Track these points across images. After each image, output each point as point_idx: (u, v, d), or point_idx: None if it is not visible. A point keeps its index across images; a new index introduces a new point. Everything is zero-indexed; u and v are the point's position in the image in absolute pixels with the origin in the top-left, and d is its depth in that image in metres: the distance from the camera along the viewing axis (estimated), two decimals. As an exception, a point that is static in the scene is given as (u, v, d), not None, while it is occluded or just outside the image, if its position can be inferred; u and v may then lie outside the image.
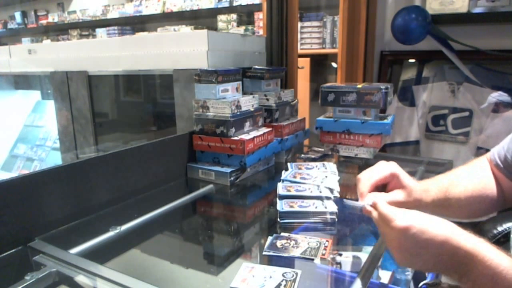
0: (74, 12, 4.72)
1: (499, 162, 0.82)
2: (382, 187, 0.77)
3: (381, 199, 0.67)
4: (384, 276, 0.82)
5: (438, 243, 0.56)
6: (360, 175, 0.76)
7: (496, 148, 0.85)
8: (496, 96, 1.85)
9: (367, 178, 0.75)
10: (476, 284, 0.55)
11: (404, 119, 2.09)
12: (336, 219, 0.94)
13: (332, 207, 0.96)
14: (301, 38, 2.87)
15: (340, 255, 0.80)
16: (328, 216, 0.94)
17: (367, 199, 0.70)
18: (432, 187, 0.78)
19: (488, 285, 0.54)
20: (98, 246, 0.83)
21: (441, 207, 0.78)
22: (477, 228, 1.30)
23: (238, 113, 1.24)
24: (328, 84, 1.45)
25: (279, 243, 0.82)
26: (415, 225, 0.57)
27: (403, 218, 0.58)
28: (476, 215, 0.84)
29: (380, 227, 0.64)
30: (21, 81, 2.31)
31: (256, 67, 1.47)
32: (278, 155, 1.45)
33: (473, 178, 0.82)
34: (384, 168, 0.76)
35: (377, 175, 0.75)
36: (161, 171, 1.18)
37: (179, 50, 1.44)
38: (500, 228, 1.23)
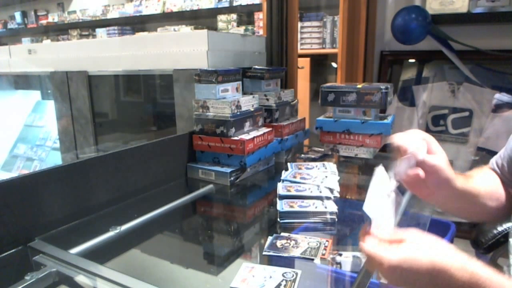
0: (74, 12, 4.72)
1: (497, 169, 0.84)
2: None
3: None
4: (384, 276, 0.82)
5: (431, 276, 0.54)
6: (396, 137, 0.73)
7: (495, 158, 0.87)
8: (501, 96, 1.85)
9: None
10: None
11: (404, 119, 2.09)
12: (336, 219, 0.94)
13: (332, 207, 0.96)
14: (301, 38, 2.86)
15: (340, 255, 0.80)
16: (328, 216, 0.94)
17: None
18: (458, 176, 0.77)
19: None
20: (98, 246, 0.83)
21: (465, 197, 0.76)
22: (477, 228, 1.31)
23: (238, 113, 1.24)
24: (328, 84, 1.45)
25: (279, 243, 0.82)
26: (401, 265, 0.55)
27: (389, 258, 0.56)
28: (490, 216, 0.83)
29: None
30: (21, 81, 2.31)
31: (256, 67, 1.47)
32: (278, 155, 1.45)
33: (486, 178, 0.83)
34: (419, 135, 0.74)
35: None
36: (161, 171, 1.18)
37: (179, 50, 1.44)
38: (500, 228, 1.23)
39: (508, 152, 0.81)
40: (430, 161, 0.70)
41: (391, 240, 0.59)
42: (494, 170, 0.85)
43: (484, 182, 0.81)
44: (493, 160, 0.86)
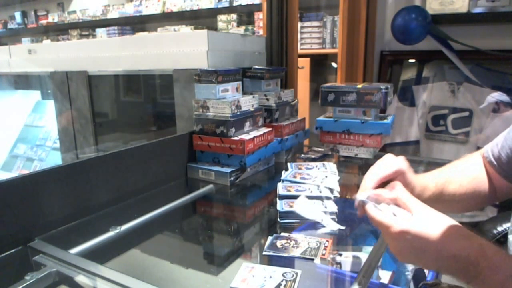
0: (74, 12, 4.72)
1: (492, 159, 0.82)
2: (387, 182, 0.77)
3: (372, 203, 0.65)
4: (384, 276, 0.82)
5: (436, 249, 0.55)
6: (368, 172, 0.74)
7: (490, 145, 0.84)
8: (496, 96, 1.85)
9: (373, 174, 0.72)
10: None
11: (404, 119, 2.09)
12: (336, 219, 0.94)
13: (332, 207, 0.96)
14: (301, 38, 2.86)
15: (340, 255, 0.80)
16: (328, 216, 0.94)
17: (360, 195, 0.68)
18: (430, 184, 0.78)
19: None
20: (98, 246, 0.83)
21: (437, 202, 0.77)
22: (477, 228, 1.31)
23: (238, 113, 1.24)
24: (328, 84, 1.45)
25: (279, 243, 0.82)
26: (410, 230, 0.56)
27: (399, 223, 0.57)
28: (468, 210, 0.86)
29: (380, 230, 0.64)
30: (21, 81, 2.30)
31: (256, 67, 1.47)
32: (278, 155, 1.45)
33: (467, 175, 0.83)
34: (391, 164, 0.73)
35: (384, 171, 0.72)
36: (161, 171, 1.18)
37: (179, 50, 1.44)
38: (500, 228, 1.23)
39: (509, 142, 0.78)
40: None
41: (399, 202, 0.61)
42: (488, 158, 0.83)
43: (463, 180, 0.81)
44: (488, 148, 0.84)
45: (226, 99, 1.23)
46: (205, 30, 1.36)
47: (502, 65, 1.90)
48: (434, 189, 0.78)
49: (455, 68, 1.93)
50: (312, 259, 0.76)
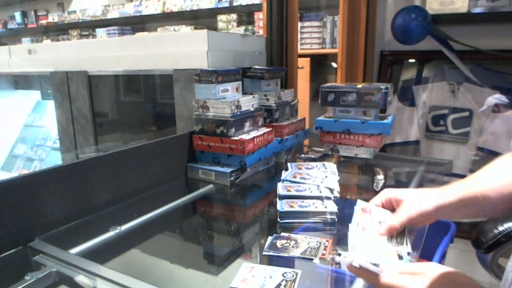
0: (74, 12, 4.72)
1: None
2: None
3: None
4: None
5: None
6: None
7: None
8: (497, 97, 1.86)
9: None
10: None
11: (404, 119, 2.09)
12: (336, 219, 0.94)
13: (332, 207, 0.96)
14: (301, 38, 2.86)
15: (340, 255, 0.80)
16: (328, 216, 0.94)
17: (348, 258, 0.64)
18: (455, 190, 0.73)
19: None
20: (98, 246, 0.83)
21: (468, 207, 0.72)
22: (477, 228, 1.31)
23: (238, 113, 1.24)
24: (328, 84, 1.45)
25: (279, 243, 0.82)
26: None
27: (415, 285, 0.55)
28: (503, 214, 0.79)
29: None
30: (21, 81, 2.31)
31: (256, 67, 1.47)
32: (278, 155, 1.45)
33: (499, 175, 0.75)
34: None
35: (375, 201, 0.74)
36: (161, 171, 1.18)
37: (179, 50, 1.44)
38: (500, 228, 1.23)
39: None
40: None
41: (412, 272, 0.57)
42: None
43: (496, 181, 0.74)
44: None
45: (226, 99, 1.23)
46: (205, 30, 1.36)
47: (502, 65, 1.90)
48: (462, 194, 0.72)
49: (455, 68, 1.94)
50: (312, 259, 0.76)
